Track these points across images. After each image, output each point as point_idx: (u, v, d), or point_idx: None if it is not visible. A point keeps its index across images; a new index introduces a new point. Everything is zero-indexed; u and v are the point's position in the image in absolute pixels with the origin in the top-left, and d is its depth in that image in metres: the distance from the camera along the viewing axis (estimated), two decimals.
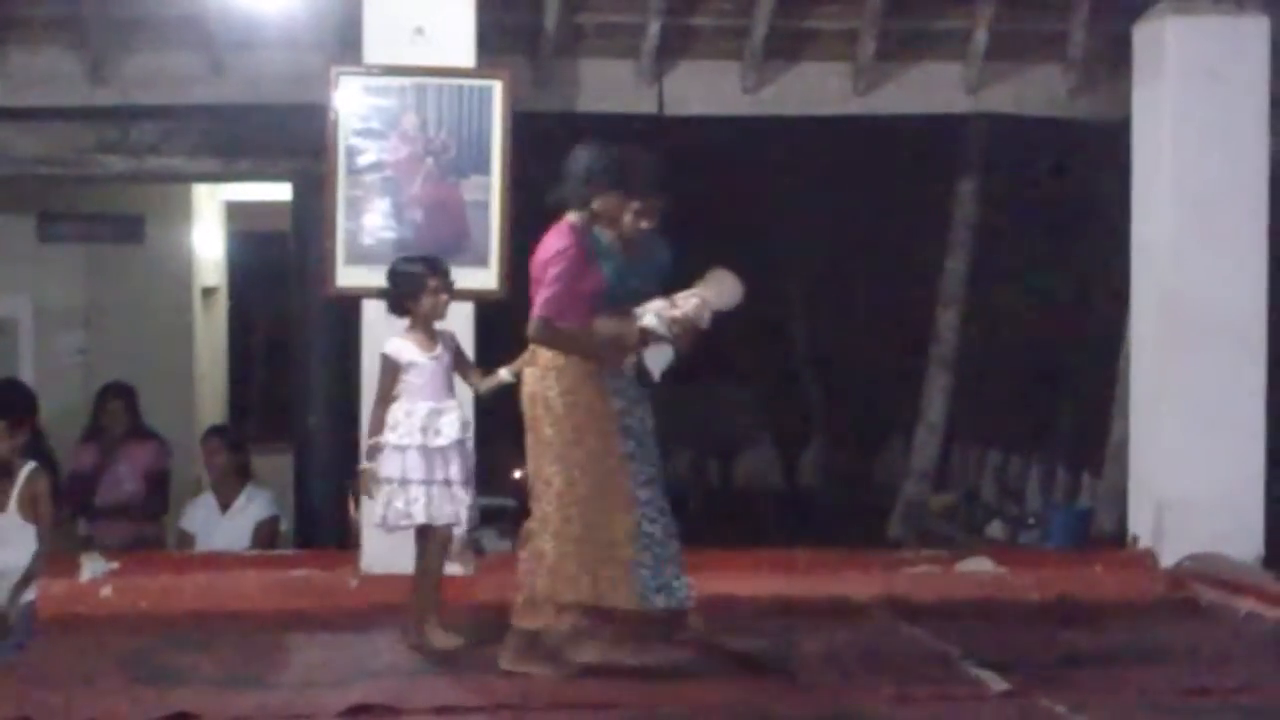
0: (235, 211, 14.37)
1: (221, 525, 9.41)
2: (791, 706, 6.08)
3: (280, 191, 11.45)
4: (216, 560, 8.49)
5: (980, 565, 8.60)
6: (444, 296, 7.14)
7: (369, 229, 8.14)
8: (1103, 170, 9.96)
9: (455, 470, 7.05)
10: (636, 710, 6.10)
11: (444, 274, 7.19)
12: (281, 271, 11.62)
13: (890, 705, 6.10)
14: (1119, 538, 9.37)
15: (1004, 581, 8.54)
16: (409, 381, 7.10)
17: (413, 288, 7.10)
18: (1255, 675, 6.85)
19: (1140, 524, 8.96)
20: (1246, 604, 7.98)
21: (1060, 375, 13.16)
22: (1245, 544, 8.67)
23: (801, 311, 16.81)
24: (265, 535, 9.39)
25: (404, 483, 7.02)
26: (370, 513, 7.13)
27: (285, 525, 9.65)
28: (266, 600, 7.98)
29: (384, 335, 8.14)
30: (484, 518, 8.44)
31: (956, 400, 13.74)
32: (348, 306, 8.53)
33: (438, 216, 8.16)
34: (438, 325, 7.19)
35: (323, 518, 9.94)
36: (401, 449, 7.01)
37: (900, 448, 14.44)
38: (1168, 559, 8.69)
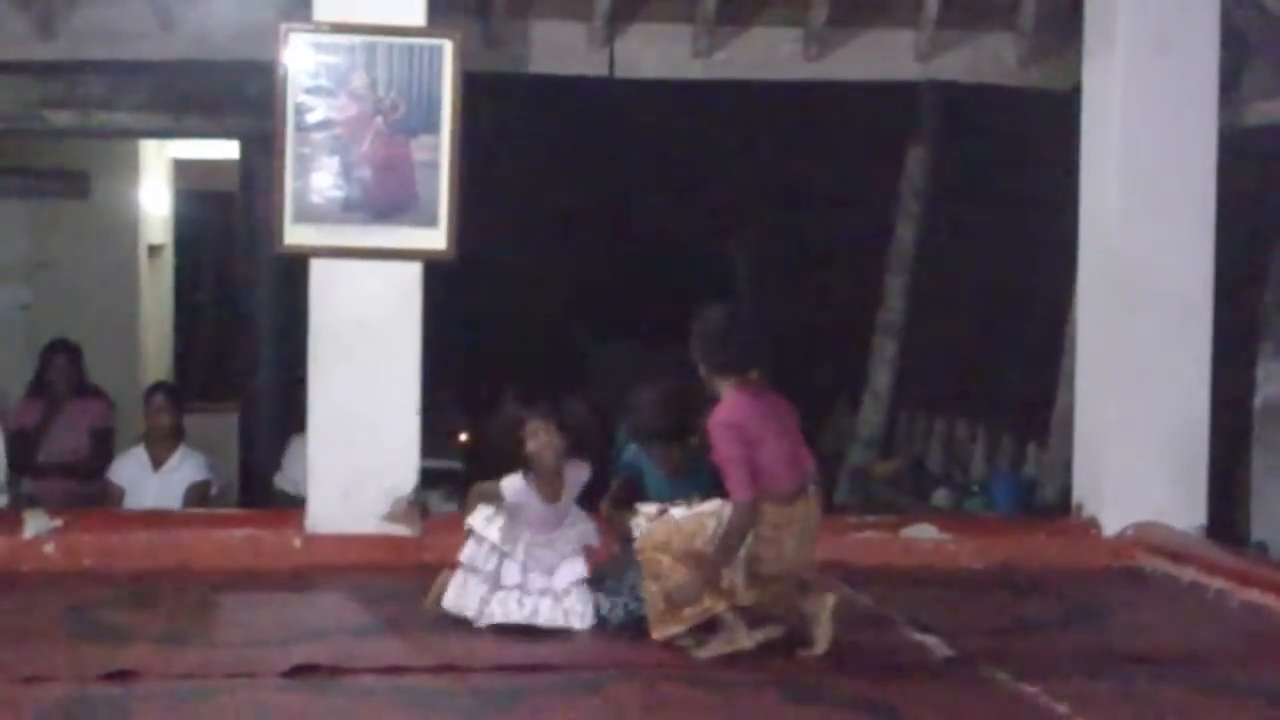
0: (183, 169, 14.28)
1: (153, 482, 9.32)
2: (734, 671, 6.07)
3: (228, 149, 11.39)
4: (160, 518, 8.44)
5: (924, 532, 8.62)
6: (547, 437, 6.62)
7: (317, 187, 8.08)
8: (1052, 139, 9.96)
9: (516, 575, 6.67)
10: (571, 671, 6.10)
11: (545, 413, 6.71)
12: (229, 230, 11.57)
13: (832, 671, 6.10)
14: (1063, 506, 9.40)
15: (948, 548, 8.56)
16: (520, 517, 6.68)
17: (514, 430, 6.65)
18: (1196, 643, 6.89)
19: (1084, 492, 8.99)
20: (1189, 573, 8.03)
21: (1007, 344, 13.18)
22: (1188, 513, 8.71)
23: (748, 278, 16.80)
24: (196, 498, 9.31)
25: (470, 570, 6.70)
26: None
27: (215, 490, 9.57)
28: (210, 559, 7.92)
29: (332, 294, 8.15)
30: (430, 480, 8.45)
31: (903, 368, 13.77)
32: (295, 265, 8.48)
33: (386, 176, 8.11)
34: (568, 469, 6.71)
35: (268, 476, 9.89)
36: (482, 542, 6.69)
37: (846, 415, 14.45)
38: (1111, 527, 8.72)
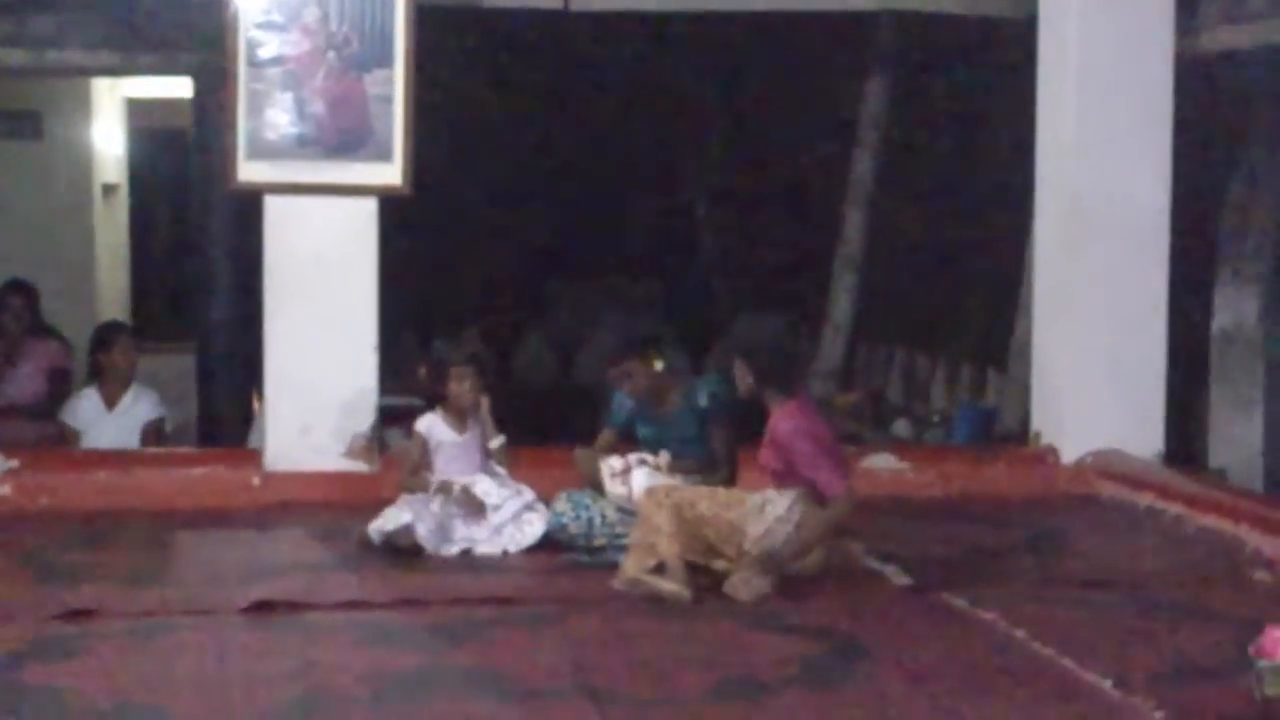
0: (136, 107, 14.17)
1: (108, 422, 9.25)
2: (694, 605, 6.10)
3: (181, 87, 11.30)
4: (118, 458, 8.41)
5: (884, 461, 8.65)
6: (469, 384, 7.18)
7: (271, 123, 8.04)
8: (1009, 69, 9.96)
9: (463, 530, 7.00)
10: (531, 604, 6.12)
11: (473, 362, 7.29)
12: (183, 168, 11.48)
13: (791, 600, 6.13)
14: (1023, 435, 9.45)
15: (907, 478, 8.61)
16: (439, 462, 7.16)
17: (439, 373, 7.19)
18: (1153, 568, 6.94)
19: (1043, 421, 9.04)
20: (1146, 499, 8.08)
21: (966, 275, 13.20)
22: (1146, 441, 8.76)
23: (707, 213, 16.77)
24: (153, 436, 9.27)
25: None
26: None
27: (170, 426, 9.53)
28: (169, 498, 7.92)
29: (287, 231, 8.13)
30: (390, 417, 8.45)
31: (863, 300, 13.78)
32: (250, 202, 8.44)
33: (340, 111, 8.07)
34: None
35: (226, 415, 9.86)
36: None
37: (807, 347, 14.48)
38: (1069, 455, 8.77)
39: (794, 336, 6.90)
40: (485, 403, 7.22)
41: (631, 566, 6.28)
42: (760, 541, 6.31)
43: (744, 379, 6.57)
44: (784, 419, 6.46)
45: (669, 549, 6.28)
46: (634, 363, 7.05)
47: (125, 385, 9.31)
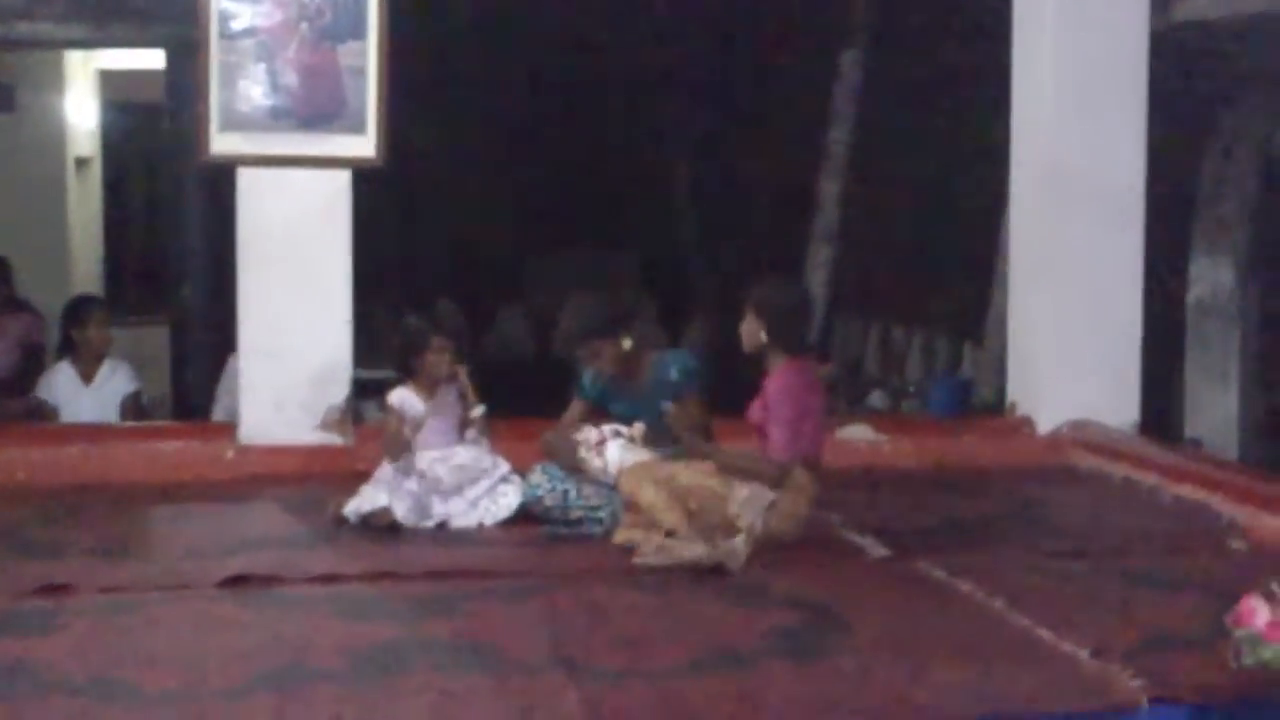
0: (109, 80, 14.11)
1: (86, 397, 9.22)
2: (672, 575, 6.08)
3: (154, 59, 11.24)
4: (92, 432, 8.36)
5: (861, 433, 8.64)
6: (448, 357, 7.10)
7: (243, 96, 7.99)
8: (985, 40, 9.93)
9: (439, 506, 6.98)
10: (509, 577, 6.10)
11: (452, 334, 7.20)
12: (157, 141, 11.43)
13: (770, 572, 6.12)
14: (999, 407, 9.45)
15: (884, 449, 8.60)
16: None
17: (417, 346, 7.09)
18: (1129, 538, 6.94)
19: (1018, 391, 9.04)
20: (1122, 469, 8.09)
21: (943, 246, 13.19)
22: (1121, 411, 8.77)
23: (686, 185, 16.74)
24: (131, 409, 9.24)
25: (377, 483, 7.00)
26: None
27: (145, 398, 9.50)
28: (143, 472, 7.88)
29: (260, 204, 8.09)
30: (366, 390, 8.42)
31: (839, 272, 13.77)
32: (223, 175, 8.40)
33: (314, 83, 8.02)
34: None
35: (200, 390, 9.82)
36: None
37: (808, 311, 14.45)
38: (1045, 426, 8.78)
39: (809, 299, 6.92)
40: (463, 371, 7.18)
41: (646, 546, 6.22)
42: (745, 504, 6.31)
43: (754, 333, 6.57)
44: (780, 375, 6.49)
45: (672, 518, 6.28)
46: (602, 343, 7.01)
47: (100, 359, 9.27)
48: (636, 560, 6.15)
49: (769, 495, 6.37)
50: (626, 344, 7.01)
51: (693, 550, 6.15)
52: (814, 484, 6.53)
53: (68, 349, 9.32)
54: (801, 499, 6.46)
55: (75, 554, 6.40)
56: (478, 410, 7.14)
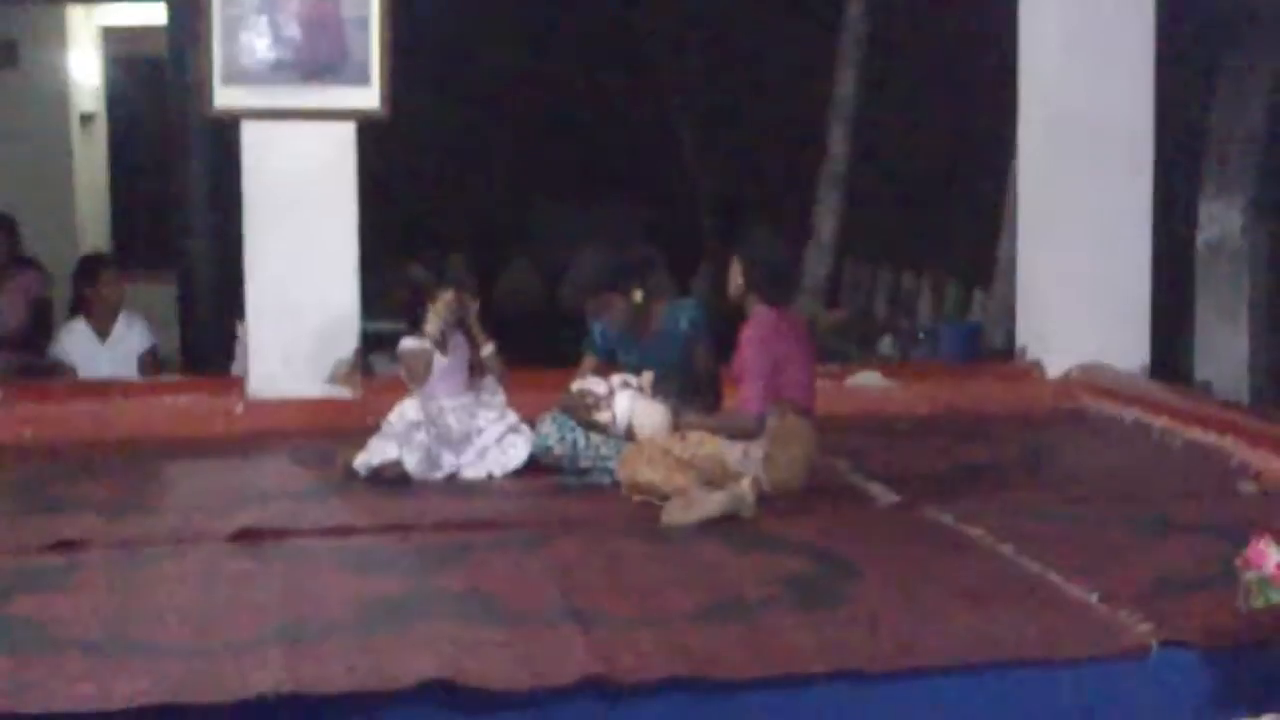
0: (112, 35, 14.09)
1: (103, 355, 9.25)
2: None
3: (156, 14, 11.21)
4: (102, 388, 8.38)
5: (870, 379, 8.66)
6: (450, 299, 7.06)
7: (246, 48, 7.98)
8: None
9: (449, 457, 7.00)
10: (516, 528, 6.13)
11: (454, 279, 7.18)
12: (161, 96, 11.40)
13: (779, 519, 6.14)
14: (1009, 351, 9.45)
15: (893, 395, 8.62)
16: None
17: (421, 300, 7.07)
18: (1139, 482, 6.95)
19: (1027, 336, 9.04)
20: (1132, 413, 8.09)
21: (952, 192, 13.17)
22: (1131, 354, 8.77)
23: (692, 134, 16.70)
24: (149, 365, 9.28)
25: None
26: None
27: (168, 352, 9.53)
28: (153, 427, 7.93)
29: (265, 157, 8.09)
30: (375, 342, 8.44)
31: (848, 218, 13.75)
32: (227, 128, 8.40)
33: (316, 34, 8.01)
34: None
35: (208, 344, 9.84)
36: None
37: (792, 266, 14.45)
38: (1054, 370, 8.78)
39: (794, 253, 6.91)
40: (472, 313, 7.17)
41: (670, 505, 6.23)
42: (742, 462, 6.33)
43: (735, 279, 6.60)
44: (750, 325, 6.53)
45: (680, 480, 6.30)
46: (613, 296, 7.01)
47: (114, 315, 9.30)
48: (664, 520, 6.14)
49: (761, 448, 6.38)
50: (637, 297, 7.01)
51: (716, 501, 6.15)
52: (809, 430, 6.53)
53: (81, 307, 9.34)
54: (796, 447, 6.47)
55: (87, 510, 6.42)
56: (488, 349, 7.14)
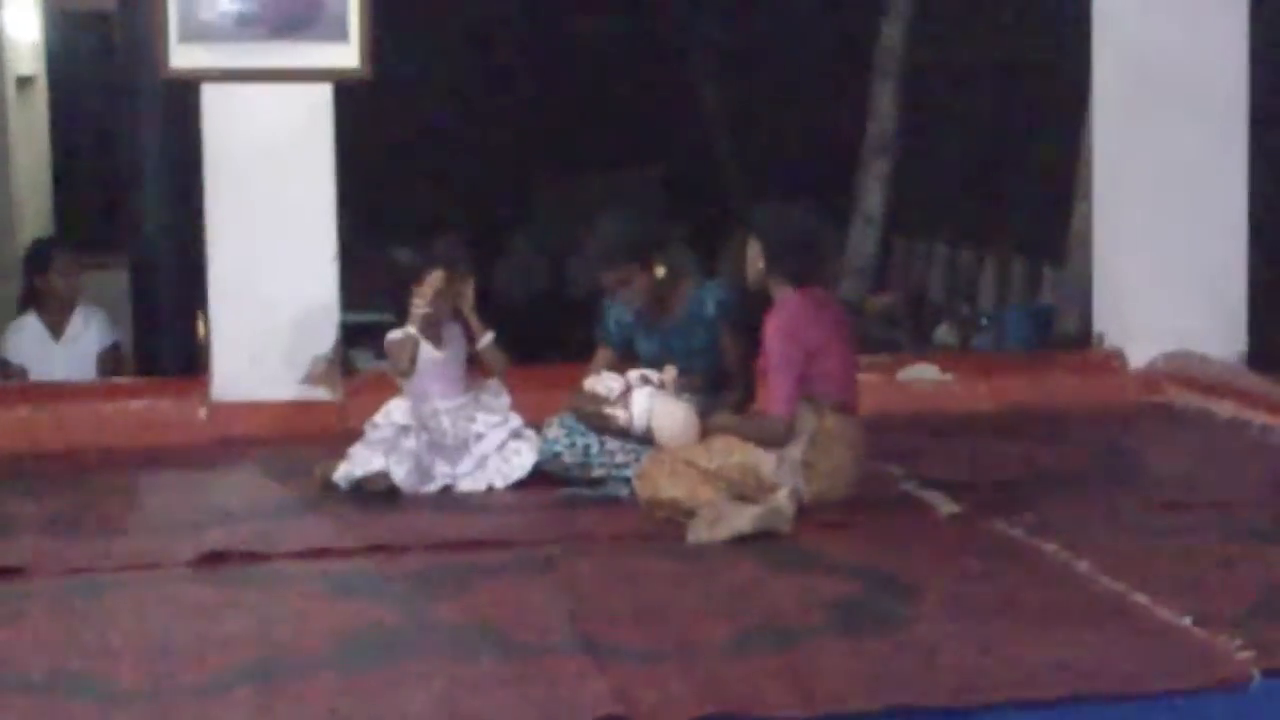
0: None
1: (57, 354, 9.25)
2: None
3: None
4: (46, 392, 8.41)
5: (925, 373, 8.66)
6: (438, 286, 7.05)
7: (206, 1, 7.99)
8: None
9: (443, 467, 7.02)
10: (519, 547, 6.13)
11: (444, 259, 7.13)
12: (109, 56, 11.41)
13: (821, 535, 6.13)
14: (1084, 338, 9.44)
15: (953, 391, 8.61)
16: (412, 377, 7.10)
17: (412, 282, 7.07)
18: (1235, 487, 6.94)
19: (1106, 321, 9.02)
20: (1226, 408, 8.09)
21: (1016, 154, 13.17)
22: (1226, 340, 8.77)
23: (715, 98, 16.69)
24: (110, 364, 9.28)
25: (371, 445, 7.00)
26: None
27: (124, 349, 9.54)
28: (106, 436, 7.95)
29: (229, 125, 8.09)
30: (355, 336, 8.45)
31: (897, 187, 13.75)
32: (185, 92, 8.40)
33: None
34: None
35: (166, 340, 9.84)
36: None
37: (833, 240, 14.46)
38: (1138, 360, 8.77)
39: (820, 224, 6.86)
40: (467, 301, 7.18)
41: (697, 521, 6.22)
42: (779, 471, 6.32)
43: (755, 263, 6.59)
44: (775, 313, 6.50)
45: (706, 493, 6.29)
46: (633, 268, 7.01)
47: (70, 309, 9.30)
48: (690, 538, 6.13)
49: (797, 454, 6.36)
50: (660, 272, 7.02)
51: (749, 515, 6.15)
52: (853, 429, 6.52)
53: (31, 300, 9.35)
54: (839, 450, 6.45)
55: (29, 530, 6.44)
56: (486, 338, 7.15)
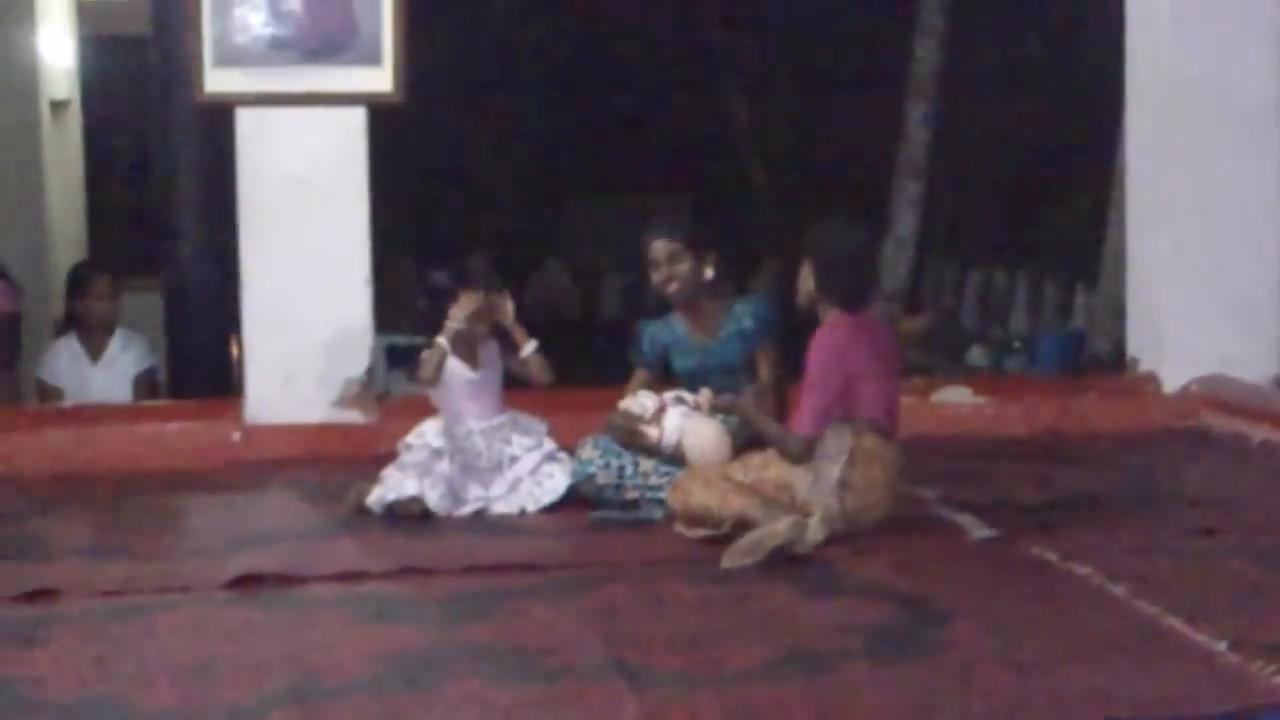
0: (87, 12, 14.16)
1: (94, 377, 9.29)
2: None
3: None
4: (81, 415, 8.44)
5: (958, 396, 8.63)
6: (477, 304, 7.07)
7: (241, 25, 8.02)
8: None
9: (477, 490, 7.02)
10: (554, 571, 6.13)
11: (480, 279, 7.14)
12: (143, 80, 11.46)
13: (854, 559, 6.12)
14: (1117, 361, 9.41)
15: (986, 414, 8.59)
16: (444, 399, 7.12)
17: (442, 308, 7.09)
18: (1269, 511, 6.91)
19: (1140, 344, 9.00)
20: (1262, 432, 8.06)
21: (1051, 178, 13.16)
22: (1260, 363, 8.73)
23: (747, 121, 16.71)
24: (146, 389, 9.31)
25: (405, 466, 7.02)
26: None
27: (161, 374, 9.58)
28: (139, 458, 7.96)
29: (263, 149, 8.11)
30: (392, 359, 8.46)
31: (930, 210, 13.74)
32: (219, 117, 8.43)
33: (320, 8, 8.04)
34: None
35: (200, 363, 9.88)
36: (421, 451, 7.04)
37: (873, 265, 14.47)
38: (1172, 383, 8.74)
39: (873, 249, 6.87)
40: (509, 308, 7.18)
41: (733, 546, 6.21)
42: (813, 489, 6.31)
43: (806, 282, 6.60)
44: (819, 334, 6.51)
45: (740, 503, 6.28)
46: (685, 250, 7.02)
47: (109, 332, 9.34)
48: (725, 562, 6.12)
49: (835, 473, 6.35)
50: (709, 271, 7.04)
51: (780, 530, 6.13)
52: (891, 452, 6.50)
53: (71, 323, 9.39)
54: (876, 471, 6.43)
55: (63, 553, 6.45)
56: (529, 347, 7.14)
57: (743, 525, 6.23)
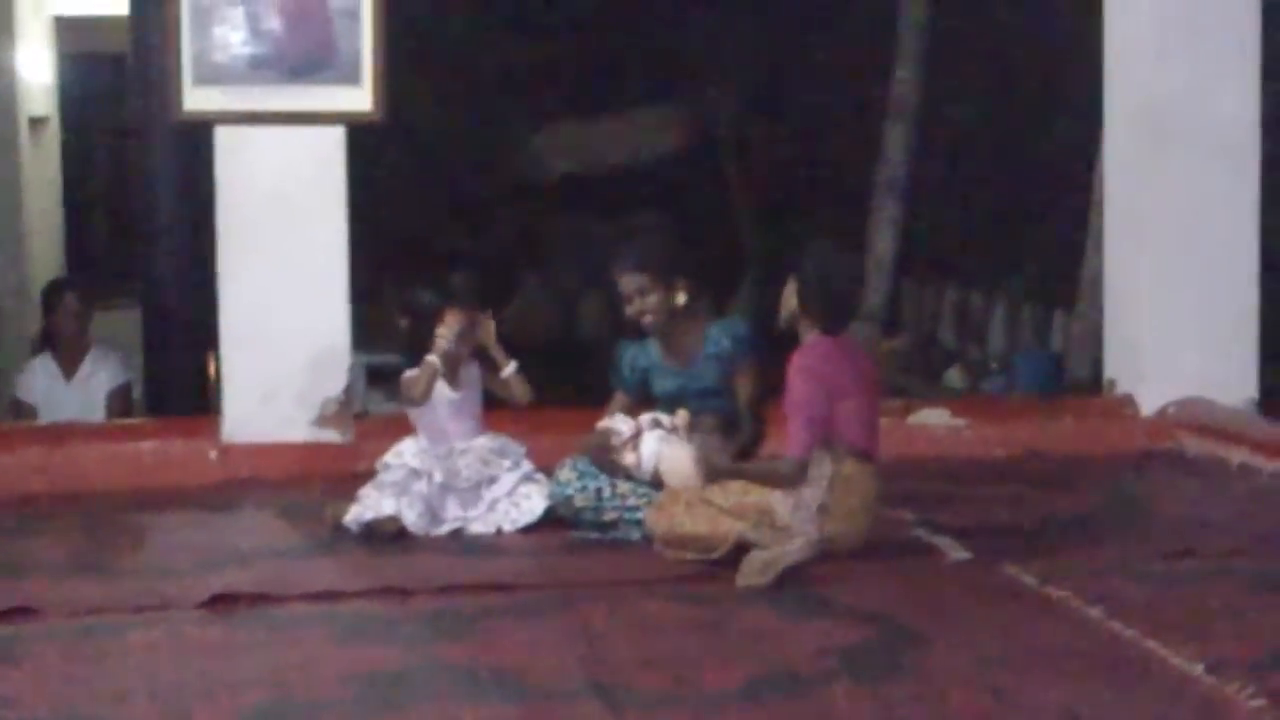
0: (66, 28, 14.15)
1: (68, 394, 9.29)
2: (720, 584, 6.09)
3: (116, 4, 11.26)
4: (56, 432, 8.41)
5: (936, 417, 8.64)
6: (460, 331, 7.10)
7: (220, 43, 8.01)
8: None
9: (455, 509, 7.02)
10: (532, 590, 6.12)
11: (465, 296, 7.19)
12: (122, 98, 11.46)
13: (832, 580, 6.12)
14: (1095, 383, 9.42)
15: (963, 435, 8.59)
16: (425, 419, 7.13)
17: (425, 328, 7.10)
18: (1249, 534, 6.92)
19: (1117, 366, 9.01)
20: (1239, 454, 8.06)
21: (1027, 199, 13.17)
22: (1237, 387, 8.74)
23: (728, 139, 16.71)
24: (119, 405, 9.30)
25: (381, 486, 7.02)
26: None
27: (136, 392, 9.56)
28: (115, 476, 7.92)
29: (241, 167, 8.10)
30: (370, 378, 8.45)
31: (908, 231, 13.75)
32: (198, 134, 8.42)
33: (299, 27, 8.03)
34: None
35: (177, 380, 9.87)
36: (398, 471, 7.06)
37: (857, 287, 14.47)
38: (1149, 406, 8.75)
39: (860, 273, 6.87)
40: (488, 329, 7.18)
41: (746, 566, 6.19)
42: (794, 514, 6.31)
43: (789, 301, 6.59)
44: (799, 354, 6.50)
45: (734, 528, 6.28)
46: (655, 283, 7.00)
47: (82, 350, 9.34)
48: (740, 583, 6.10)
49: (815, 498, 6.35)
50: (680, 298, 7.02)
51: (792, 550, 6.13)
52: (869, 477, 6.50)
53: (47, 341, 9.39)
54: (854, 496, 6.43)
55: (39, 572, 6.43)
56: (509, 368, 7.14)
57: (741, 548, 6.23)
